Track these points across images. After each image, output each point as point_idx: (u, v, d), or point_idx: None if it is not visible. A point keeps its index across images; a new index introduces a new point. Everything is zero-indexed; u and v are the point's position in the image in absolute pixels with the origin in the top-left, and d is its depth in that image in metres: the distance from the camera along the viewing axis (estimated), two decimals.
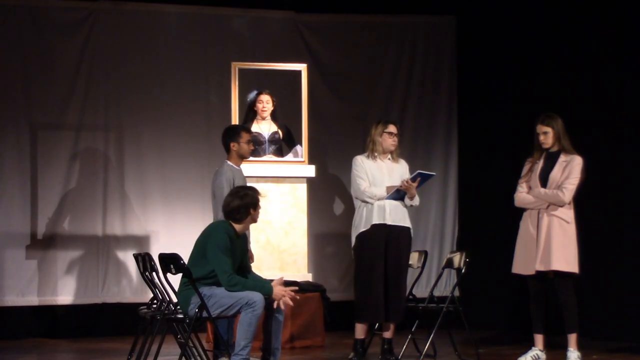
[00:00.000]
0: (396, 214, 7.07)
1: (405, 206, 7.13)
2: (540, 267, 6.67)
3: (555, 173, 6.73)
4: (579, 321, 6.69)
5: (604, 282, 8.16)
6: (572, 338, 6.69)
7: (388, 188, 7.05)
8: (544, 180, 6.76)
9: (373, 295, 7.01)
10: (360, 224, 7.10)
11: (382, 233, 7.04)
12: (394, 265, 7.05)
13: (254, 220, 6.19)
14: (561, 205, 6.69)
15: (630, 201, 8.23)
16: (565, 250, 6.66)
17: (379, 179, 7.10)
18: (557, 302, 6.71)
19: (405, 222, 7.13)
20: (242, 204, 6.09)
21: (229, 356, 6.02)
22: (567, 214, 6.73)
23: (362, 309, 7.09)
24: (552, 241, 6.65)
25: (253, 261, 7.50)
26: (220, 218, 6.37)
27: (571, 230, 6.73)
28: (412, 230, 7.18)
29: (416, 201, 7.16)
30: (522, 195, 6.85)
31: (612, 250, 8.21)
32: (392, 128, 7.17)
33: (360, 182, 7.12)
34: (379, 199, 7.05)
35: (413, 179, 7.01)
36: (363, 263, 7.09)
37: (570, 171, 6.71)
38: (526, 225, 6.81)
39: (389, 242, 7.04)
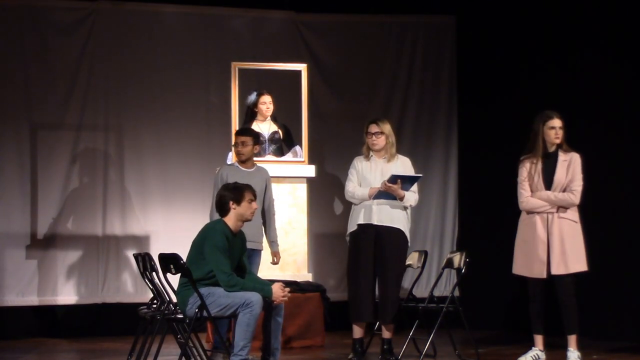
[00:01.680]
0: (383, 215, 7.01)
1: (404, 207, 7.09)
2: (559, 270, 6.63)
3: (560, 175, 6.70)
4: (579, 321, 6.68)
5: (604, 282, 8.15)
6: (572, 338, 6.68)
7: (371, 189, 7.02)
8: (547, 182, 6.74)
9: (359, 295, 7.01)
10: (350, 224, 7.14)
11: (371, 233, 7.02)
12: (381, 266, 7.02)
13: (244, 216, 6.09)
14: (571, 207, 6.70)
15: (630, 201, 8.22)
16: (578, 251, 6.69)
17: (370, 179, 7.08)
18: (557, 302, 6.70)
19: (394, 223, 7.02)
20: (222, 197, 6.08)
21: (229, 356, 6.01)
22: (574, 214, 6.74)
23: (351, 308, 7.10)
24: (565, 244, 6.65)
25: (277, 262, 7.51)
26: (214, 217, 6.37)
27: (579, 229, 6.75)
28: (406, 232, 7.08)
29: (410, 201, 7.06)
30: (530, 200, 6.76)
31: (612, 250, 8.19)
32: (370, 127, 7.12)
33: (348, 184, 7.16)
34: (361, 200, 7.04)
35: (390, 181, 6.93)
36: (351, 262, 7.11)
37: (574, 172, 6.70)
38: (532, 227, 6.73)
39: (377, 242, 7.02)
